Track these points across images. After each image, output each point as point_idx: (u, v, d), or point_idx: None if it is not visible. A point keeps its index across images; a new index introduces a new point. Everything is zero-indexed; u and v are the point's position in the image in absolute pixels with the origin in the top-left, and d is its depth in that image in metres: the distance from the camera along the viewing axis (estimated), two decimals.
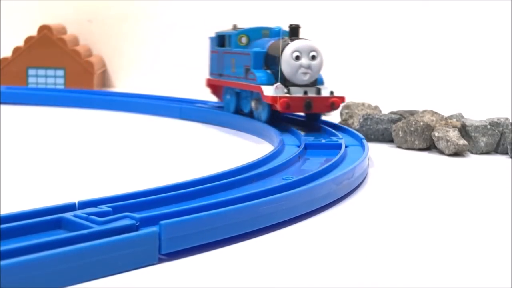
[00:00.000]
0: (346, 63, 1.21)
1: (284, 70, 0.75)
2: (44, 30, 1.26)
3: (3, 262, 0.32)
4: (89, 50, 1.36)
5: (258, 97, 0.79)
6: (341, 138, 0.70)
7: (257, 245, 0.42)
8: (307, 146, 0.66)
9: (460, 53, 1.17)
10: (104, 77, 1.41)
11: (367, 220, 0.49)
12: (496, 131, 0.75)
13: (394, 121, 0.80)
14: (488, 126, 0.75)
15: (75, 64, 1.27)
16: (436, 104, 0.92)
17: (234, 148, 0.76)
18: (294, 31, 0.78)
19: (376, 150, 0.75)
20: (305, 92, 0.75)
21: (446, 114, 0.82)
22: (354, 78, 1.19)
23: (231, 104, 0.89)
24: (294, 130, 0.75)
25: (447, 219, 0.49)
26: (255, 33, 0.85)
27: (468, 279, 0.37)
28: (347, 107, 0.87)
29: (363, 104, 0.88)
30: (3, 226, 0.37)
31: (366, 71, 1.21)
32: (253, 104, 0.81)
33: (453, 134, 0.73)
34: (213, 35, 0.93)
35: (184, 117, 0.97)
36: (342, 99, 0.77)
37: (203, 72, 1.32)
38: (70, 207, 0.41)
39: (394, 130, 0.78)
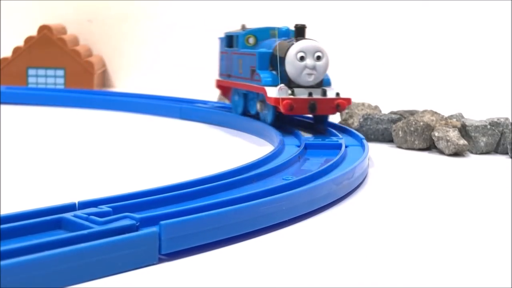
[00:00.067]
0: (346, 63, 1.20)
1: (289, 71, 0.74)
2: (44, 30, 1.26)
3: (3, 262, 0.32)
4: (89, 50, 1.36)
5: (263, 98, 0.77)
6: (341, 138, 0.70)
7: (257, 245, 0.42)
8: (307, 146, 0.66)
9: (460, 53, 1.17)
10: (104, 77, 1.41)
11: (367, 220, 0.49)
12: (496, 131, 0.75)
13: (394, 121, 0.80)
14: (488, 126, 0.75)
15: (75, 64, 1.27)
16: (436, 104, 0.92)
17: (234, 148, 0.76)
18: (299, 31, 0.76)
19: (376, 150, 0.75)
20: (310, 94, 0.73)
21: (446, 114, 0.82)
22: (354, 78, 1.19)
23: (239, 105, 0.87)
24: (294, 130, 0.75)
25: (447, 219, 0.49)
26: (263, 33, 0.84)
27: (468, 279, 0.37)
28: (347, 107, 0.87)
29: (363, 104, 0.88)
30: (3, 226, 0.37)
31: (366, 71, 1.21)
32: (258, 106, 0.80)
33: (453, 134, 0.73)
34: (222, 35, 0.91)
35: (184, 117, 0.97)
36: (348, 100, 0.75)
37: (203, 72, 1.32)
38: (70, 207, 0.41)
39: (394, 130, 0.78)
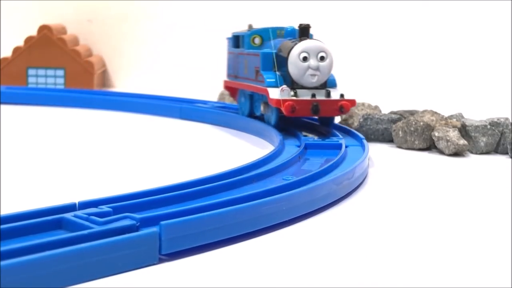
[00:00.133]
0: (345, 63, 1.20)
1: (291, 71, 0.72)
2: (44, 30, 1.26)
3: (3, 262, 0.32)
4: (89, 50, 1.36)
5: (267, 100, 0.75)
6: (341, 138, 0.70)
7: (257, 245, 0.42)
8: (307, 146, 0.66)
9: (460, 53, 1.17)
10: (104, 77, 1.41)
11: (367, 220, 0.49)
12: (496, 131, 0.75)
13: (394, 121, 0.80)
14: (488, 126, 0.75)
15: (75, 64, 1.27)
16: (436, 104, 0.92)
17: (234, 148, 0.76)
18: (303, 31, 0.74)
19: (376, 150, 0.75)
20: (313, 95, 0.72)
21: (446, 114, 0.82)
22: (354, 78, 1.19)
23: (245, 107, 0.86)
24: (294, 130, 0.75)
25: (447, 219, 0.49)
26: (269, 34, 0.81)
27: (468, 279, 0.37)
28: None
29: (363, 104, 0.88)
30: (3, 226, 0.37)
31: (366, 71, 1.21)
32: (262, 107, 0.79)
33: (453, 134, 0.73)
34: (229, 35, 0.90)
35: (184, 117, 0.97)
36: (352, 102, 0.73)
37: (203, 72, 1.32)
38: (70, 208, 0.41)
39: (394, 130, 0.78)
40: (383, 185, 0.60)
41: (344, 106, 0.72)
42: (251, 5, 1.29)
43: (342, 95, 0.73)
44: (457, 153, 0.73)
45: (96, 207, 0.42)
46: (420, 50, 1.20)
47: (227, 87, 0.92)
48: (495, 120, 0.76)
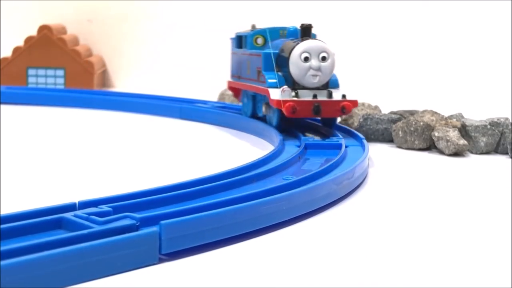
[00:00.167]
0: (345, 63, 1.20)
1: (293, 72, 0.72)
2: (44, 30, 1.26)
3: (3, 262, 0.32)
4: (89, 50, 1.36)
5: (268, 100, 0.75)
6: (341, 138, 0.70)
7: (257, 245, 0.42)
8: (307, 146, 0.66)
9: (460, 53, 1.17)
10: (104, 77, 1.41)
11: (367, 220, 0.49)
12: (496, 131, 0.75)
13: (394, 121, 0.80)
14: (488, 126, 0.75)
15: (75, 64, 1.27)
16: (436, 104, 0.92)
17: (234, 148, 0.76)
18: (305, 31, 0.74)
19: (376, 150, 0.75)
20: (315, 96, 0.71)
21: (446, 114, 0.82)
22: (354, 78, 1.19)
23: (248, 108, 0.85)
24: (294, 130, 0.75)
25: (447, 219, 0.49)
26: (271, 34, 0.81)
27: (468, 279, 0.37)
28: None
29: (363, 104, 0.88)
30: (3, 226, 0.37)
31: (366, 71, 1.21)
32: (264, 108, 0.78)
33: (453, 134, 0.73)
34: (233, 35, 0.89)
35: (184, 117, 0.97)
36: (354, 103, 0.72)
37: (203, 72, 1.32)
38: (70, 207, 0.41)
39: (394, 130, 0.78)
40: (383, 185, 0.60)
41: (346, 107, 0.71)
42: (251, 5, 1.29)
43: (344, 96, 0.72)
44: (457, 153, 0.73)
45: (96, 206, 0.42)
46: (420, 50, 1.20)
47: (231, 87, 0.91)
48: (495, 120, 0.76)
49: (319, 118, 0.76)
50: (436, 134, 0.74)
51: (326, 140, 0.69)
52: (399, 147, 0.77)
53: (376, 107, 0.89)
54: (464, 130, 0.76)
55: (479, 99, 1.08)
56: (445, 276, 0.37)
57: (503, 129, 0.75)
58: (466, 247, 0.43)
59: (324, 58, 0.72)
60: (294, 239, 0.44)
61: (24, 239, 0.37)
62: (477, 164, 0.70)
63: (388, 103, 0.96)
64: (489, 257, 0.41)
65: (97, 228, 0.37)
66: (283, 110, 0.70)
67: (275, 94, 0.71)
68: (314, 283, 0.36)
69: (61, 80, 1.28)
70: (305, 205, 0.48)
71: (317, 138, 0.71)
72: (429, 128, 0.75)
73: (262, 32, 0.81)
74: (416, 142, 0.75)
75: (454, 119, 0.79)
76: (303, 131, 0.75)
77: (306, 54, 0.71)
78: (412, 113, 0.82)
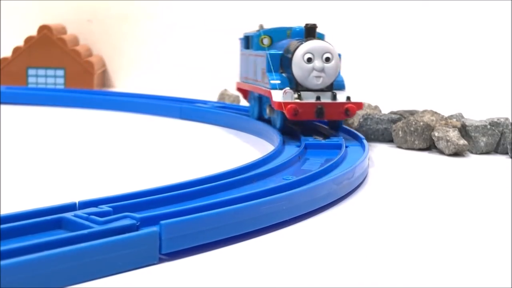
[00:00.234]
0: (345, 63, 1.20)
1: (295, 73, 0.70)
2: (44, 30, 1.26)
3: (3, 262, 0.32)
4: (89, 50, 1.36)
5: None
6: (341, 138, 0.70)
7: (257, 245, 0.42)
8: (307, 146, 0.66)
9: (460, 53, 1.17)
10: (104, 77, 1.41)
11: (367, 220, 0.49)
12: (496, 131, 0.75)
13: (394, 121, 0.80)
14: (488, 126, 0.75)
15: (75, 64, 1.27)
16: (436, 104, 0.92)
17: (234, 148, 0.76)
18: (309, 31, 0.71)
19: (376, 150, 0.75)
20: (318, 98, 0.69)
21: (446, 114, 0.82)
22: (354, 78, 1.19)
23: (254, 109, 0.83)
24: (295, 131, 0.75)
25: (447, 219, 0.49)
26: (278, 34, 0.79)
27: (468, 279, 0.37)
28: None
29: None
30: (3, 226, 0.37)
31: (366, 71, 1.21)
32: (268, 110, 0.76)
33: (453, 134, 0.73)
34: (241, 35, 0.88)
35: (184, 117, 0.97)
36: (358, 105, 0.70)
37: (203, 72, 1.32)
38: (70, 207, 0.41)
39: (394, 130, 0.78)
40: (383, 185, 0.60)
41: (350, 109, 0.70)
42: (251, 5, 1.29)
43: (348, 98, 0.70)
44: (457, 153, 0.73)
45: (96, 206, 0.42)
46: (420, 50, 1.20)
47: (239, 89, 0.90)
48: (495, 120, 0.76)
49: (326, 120, 0.74)
50: (436, 134, 0.74)
51: (326, 140, 0.69)
52: (399, 147, 0.77)
53: (376, 107, 0.89)
54: (464, 130, 0.76)
55: (479, 99, 1.08)
56: (445, 276, 0.37)
57: (503, 129, 0.75)
58: (466, 247, 0.43)
59: (328, 59, 0.70)
60: (294, 239, 0.44)
61: (24, 239, 0.37)
62: (477, 164, 0.70)
63: (388, 103, 0.96)
64: (489, 257, 0.41)
65: (97, 228, 0.37)
66: (285, 112, 0.68)
67: (277, 96, 0.70)
68: (314, 283, 0.36)
69: (61, 80, 1.28)
70: (305, 205, 0.48)
71: (319, 138, 0.70)
72: (429, 128, 0.75)
73: (268, 32, 0.80)
74: (416, 142, 0.75)
75: (454, 119, 0.79)
76: (311, 133, 0.73)
77: (309, 55, 0.69)
78: (412, 113, 0.82)
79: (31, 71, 1.27)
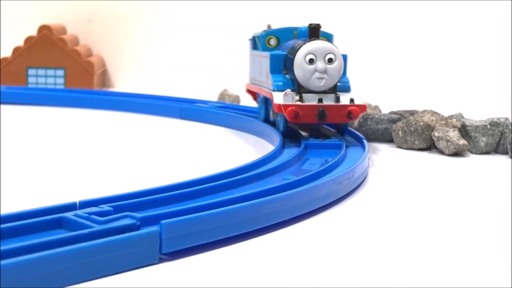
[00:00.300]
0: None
1: (297, 74, 0.67)
2: (44, 30, 1.26)
3: (3, 261, 0.32)
4: (89, 50, 1.36)
5: None
6: (341, 138, 0.70)
7: (257, 245, 0.42)
8: (307, 146, 0.66)
9: (460, 53, 1.17)
10: (104, 77, 1.41)
11: (368, 220, 0.49)
12: (496, 131, 0.75)
13: (394, 121, 0.80)
14: (488, 126, 0.75)
15: (75, 64, 1.27)
16: (436, 104, 0.92)
17: (234, 148, 0.76)
18: (313, 32, 0.69)
19: (376, 150, 0.75)
20: (320, 100, 0.67)
21: (446, 114, 0.82)
22: (353, 78, 1.19)
23: (261, 111, 0.81)
24: (295, 131, 0.75)
25: (447, 219, 0.49)
26: (285, 34, 0.76)
27: (468, 279, 0.37)
28: None
29: None
30: (3, 226, 0.37)
31: (366, 71, 1.21)
32: (271, 112, 0.74)
33: (453, 134, 0.73)
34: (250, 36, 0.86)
35: (184, 117, 0.97)
36: (362, 107, 0.68)
37: (203, 72, 1.32)
38: (71, 207, 0.41)
39: (394, 130, 0.78)
40: (383, 185, 0.60)
41: (353, 112, 0.67)
42: (251, 5, 1.29)
43: (352, 100, 0.68)
44: (457, 153, 0.73)
45: (96, 206, 0.42)
46: (420, 50, 1.20)
47: (248, 90, 0.88)
48: (495, 120, 0.76)
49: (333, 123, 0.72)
50: (436, 134, 0.74)
51: (326, 140, 0.69)
52: (399, 147, 0.77)
53: (376, 107, 0.89)
54: (464, 130, 0.76)
55: (479, 99, 1.08)
56: (445, 276, 0.37)
57: (503, 129, 0.75)
58: (466, 247, 0.43)
59: (330, 60, 0.67)
60: (294, 239, 0.44)
61: (24, 238, 0.37)
62: (477, 164, 0.70)
63: (388, 103, 0.96)
64: (489, 257, 0.41)
65: (97, 227, 0.37)
66: (285, 115, 0.66)
67: (278, 98, 0.67)
68: (314, 283, 0.36)
69: (61, 80, 1.28)
70: (305, 205, 0.48)
71: (320, 139, 0.69)
72: (429, 128, 0.75)
73: (275, 33, 0.78)
74: (416, 142, 0.75)
75: (454, 119, 0.79)
76: (318, 135, 0.72)
77: (311, 56, 0.67)
78: (412, 113, 0.82)
79: (31, 71, 1.27)
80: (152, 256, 0.38)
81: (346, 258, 0.40)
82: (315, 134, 0.72)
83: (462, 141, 0.73)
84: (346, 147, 0.66)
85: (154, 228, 0.38)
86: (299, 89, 0.68)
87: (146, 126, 0.92)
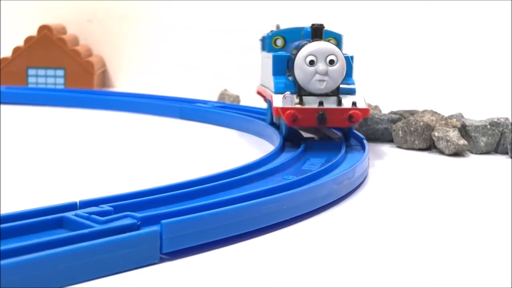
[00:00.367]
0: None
1: (298, 76, 0.65)
2: (44, 30, 1.26)
3: (3, 262, 0.32)
4: (89, 50, 1.36)
5: None
6: (339, 137, 0.70)
7: (257, 245, 0.42)
8: (307, 146, 0.66)
9: (460, 53, 1.17)
10: (104, 77, 1.41)
11: (368, 220, 0.49)
12: (496, 131, 0.75)
13: (394, 121, 0.80)
14: (488, 126, 0.75)
15: (75, 64, 1.27)
16: (436, 104, 0.92)
17: (234, 148, 0.76)
18: (316, 32, 0.66)
19: (376, 150, 0.75)
20: (321, 103, 0.65)
21: (446, 114, 0.82)
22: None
23: (268, 114, 0.79)
24: (296, 131, 0.75)
25: (447, 219, 0.49)
26: (292, 34, 0.74)
27: (468, 279, 0.37)
28: None
29: None
30: (3, 225, 0.37)
31: (366, 71, 1.21)
32: (274, 115, 0.71)
33: (453, 134, 0.73)
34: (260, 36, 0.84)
35: (184, 117, 0.97)
36: (364, 111, 0.65)
37: (203, 72, 1.32)
38: (71, 207, 0.42)
39: (394, 130, 0.78)
40: (383, 185, 0.60)
41: (354, 115, 0.64)
42: (252, 5, 1.29)
43: (354, 103, 0.65)
44: (457, 153, 0.73)
45: (97, 206, 0.42)
46: (420, 50, 1.20)
47: (258, 92, 0.85)
48: (495, 120, 0.76)
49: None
50: (436, 134, 0.74)
51: (327, 140, 0.69)
52: (399, 147, 0.77)
53: (376, 107, 0.89)
54: (464, 130, 0.76)
55: (479, 99, 1.08)
56: (445, 276, 0.37)
57: (503, 129, 0.75)
58: (466, 247, 0.43)
59: (332, 62, 0.65)
60: (294, 239, 0.44)
61: (25, 238, 0.37)
62: (477, 164, 0.70)
63: (388, 103, 0.96)
64: (489, 257, 0.41)
65: (98, 227, 0.37)
66: (284, 118, 0.64)
67: (277, 101, 0.65)
68: (314, 283, 0.36)
69: (61, 80, 1.28)
70: (306, 205, 0.48)
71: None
72: (429, 128, 0.75)
73: (282, 33, 0.75)
74: (416, 142, 0.76)
75: (454, 119, 0.79)
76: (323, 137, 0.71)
77: (311, 57, 0.64)
78: (412, 113, 0.83)
79: (31, 71, 1.27)
80: (153, 256, 0.38)
81: (346, 258, 0.40)
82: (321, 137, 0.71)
83: (462, 141, 0.73)
84: (346, 147, 0.66)
85: (155, 228, 0.38)
86: (300, 91, 0.66)
87: (146, 126, 0.92)
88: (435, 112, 0.80)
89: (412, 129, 0.76)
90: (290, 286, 0.36)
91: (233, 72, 1.26)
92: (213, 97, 1.09)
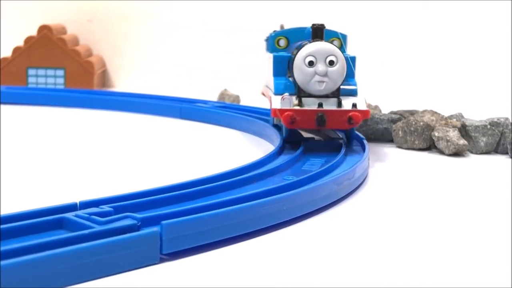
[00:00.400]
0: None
1: (297, 77, 0.64)
2: (44, 30, 1.26)
3: (3, 262, 0.32)
4: (89, 50, 1.36)
5: None
6: (342, 138, 0.70)
7: (258, 245, 0.42)
8: (307, 147, 0.66)
9: (460, 53, 1.17)
10: (104, 77, 1.41)
11: (368, 220, 0.49)
12: (496, 131, 0.75)
13: (394, 121, 0.80)
14: (488, 126, 0.75)
15: (75, 64, 1.27)
16: (436, 104, 0.92)
17: (234, 148, 0.76)
18: (316, 32, 0.65)
19: (376, 150, 0.75)
20: (320, 105, 0.64)
21: (446, 114, 0.82)
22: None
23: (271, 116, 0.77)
24: (296, 131, 0.74)
25: (447, 219, 0.49)
26: (295, 35, 0.72)
27: (468, 279, 0.37)
28: None
29: None
30: (4, 226, 0.37)
31: (366, 71, 1.21)
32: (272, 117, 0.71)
33: (453, 134, 0.73)
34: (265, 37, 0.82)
35: (184, 117, 0.97)
36: (364, 113, 0.64)
37: (203, 72, 1.32)
38: (71, 207, 0.42)
39: (394, 130, 0.78)
40: (383, 185, 0.60)
41: (354, 117, 0.63)
42: (252, 5, 1.29)
43: (354, 105, 0.64)
44: (457, 153, 0.73)
45: (97, 206, 0.42)
46: (420, 50, 1.20)
47: (262, 93, 0.83)
48: (495, 120, 0.76)
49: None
50: (436, 134, 0.74)
51: (327, 140, 0.69)
52: (399, 147, 0.77)
53: (376, 107, 0.89)
54: (464, 130, 0.76)
55: (479, 99, 1.08)
56: (445, 276, 0.37)
57: (503, 129, 0.75)
58: (466, 247, 0.43)
59: (331, 62, 0.63)
60: (294, 240, 0.44)
61: (25, 239, 0.37)
62: (477, 164, 0.70)
63: (388, 103, 0.96)
64: (489, 257, 0.41)
65: (98, 228, 0.37)
66: (281, 120, 0.64)
67: (276, 102, 0.64)
68: (314, 283, 0.36)
69: (61, 80, 1.28)
70: (306, 205, 0.48)
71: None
72: (429, 128, 0.75)
73: (285, 33, 0.74)
74: (416, 142, 0.76)
75: (454, 119, 0.79)
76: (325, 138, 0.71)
77: (311, 58, 0.63)
78: (412, 113, 0.82)
79: (31, 71, 1.27)
80: (153, 256, 0.38)
81: (346, 259, 0.40)
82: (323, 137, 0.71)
83: (462, 141, 0.73)
84: (346, 147, 0.66)
85: (155, 228, 0.38)
86: (299, 93, 0.65)
87: (146, 126, 0.92)
88: (435, 112, 0.80)
89: (412, 129, 0.76)
90: (290, 286, 0.36)
91: (233, 72, 1.26)
92: (213, 97, 1.09)
